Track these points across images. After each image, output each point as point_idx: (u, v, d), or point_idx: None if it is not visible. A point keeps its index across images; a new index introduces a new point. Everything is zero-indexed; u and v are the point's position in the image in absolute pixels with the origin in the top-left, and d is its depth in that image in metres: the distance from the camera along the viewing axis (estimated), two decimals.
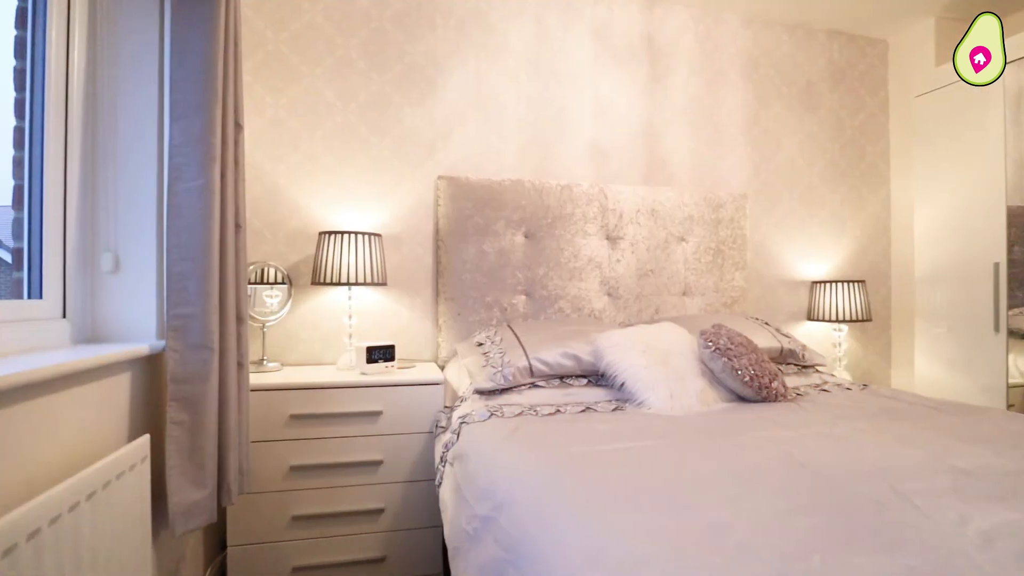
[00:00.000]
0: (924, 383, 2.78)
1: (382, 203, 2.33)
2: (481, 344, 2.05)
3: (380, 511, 1.88)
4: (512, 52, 2.49)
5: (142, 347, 1.38)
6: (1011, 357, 2.37)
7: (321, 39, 2.26)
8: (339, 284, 2.03)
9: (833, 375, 2.36)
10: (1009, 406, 2.36)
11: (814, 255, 2.96)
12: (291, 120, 2.22)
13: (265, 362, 2.06)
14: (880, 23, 2.93)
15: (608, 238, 2.52)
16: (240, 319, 1.59)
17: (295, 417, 1.82)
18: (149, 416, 1.48)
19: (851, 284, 2.73)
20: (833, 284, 2.75)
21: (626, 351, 1.87)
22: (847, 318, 2.69)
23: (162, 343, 1.46)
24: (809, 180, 2.96)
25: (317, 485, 1.84)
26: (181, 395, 1.39)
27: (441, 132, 2.40)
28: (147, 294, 1.49)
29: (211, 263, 1.42)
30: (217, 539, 1.90)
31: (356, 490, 1.87)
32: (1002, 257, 2.38)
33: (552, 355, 1.90)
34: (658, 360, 1.84)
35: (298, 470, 1.82)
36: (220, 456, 1.50)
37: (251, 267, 2.11)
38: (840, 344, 2.79)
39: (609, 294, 2.51)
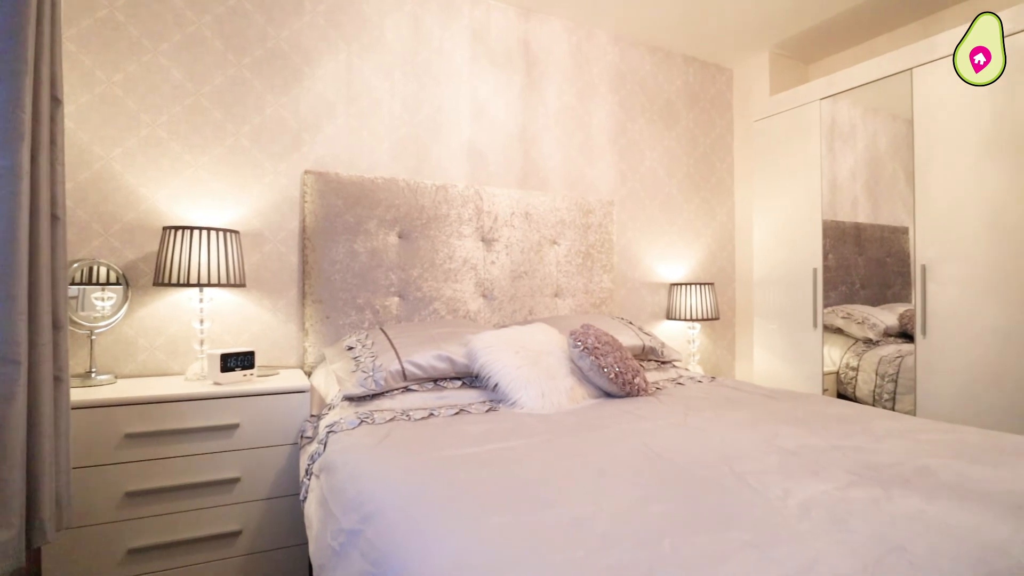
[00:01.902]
0: (761, 373, 3.14)
1: (240, 197, 2.13)
2: (351, 348, 1.96)
3: (236, 533, 1.72)
4: (388, 48, 2.42)
5: None
6: (825, 349, 2.76)
7: (168, 11, 2.02)
8: (188, 285, 1.82)
9: (688, 369, 2.58)
10: (824, 391, 2.74)
11: (672, 259, 3.22)
12: (129, 99, 1.96)
13: (94, 375, 1.80)
14: (726, 53, 3.27)
15: (483, 240, 2.53)
16: (57, 325, 1.37)
17: (132, 436, 1.61)
18: None
19: (703, 286, 3.01)
20: (688, 286, 3.02)
21: (500, 352, 1.89)
22: (699, 317, 2.97)
23: None
24: (669, 190, 3.21)
25: (161, 511, 1.64)
26: None
27: (308, 124, 2.26)
28: None
29: (17, 260, 1.20)
30: None
31: (208, 513, 1.69)
32: (819, 264, 2.77)
33: (426, 358, 1.87)
34: (530, 360, 1.89)
35: (137, 496, 1.61)
36: (30, 488, 1.28)
37: (75, 265, 1.83)
38: (694, 341, 3.07)
39: (484, 296, 2.53)
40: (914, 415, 2.23)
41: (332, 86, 2.30)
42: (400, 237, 2.35)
